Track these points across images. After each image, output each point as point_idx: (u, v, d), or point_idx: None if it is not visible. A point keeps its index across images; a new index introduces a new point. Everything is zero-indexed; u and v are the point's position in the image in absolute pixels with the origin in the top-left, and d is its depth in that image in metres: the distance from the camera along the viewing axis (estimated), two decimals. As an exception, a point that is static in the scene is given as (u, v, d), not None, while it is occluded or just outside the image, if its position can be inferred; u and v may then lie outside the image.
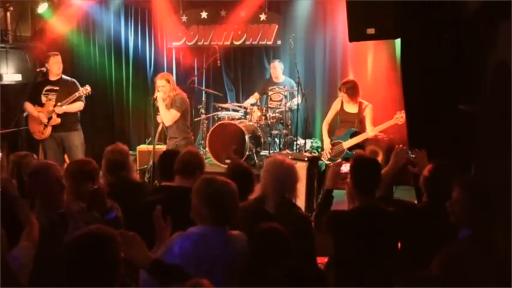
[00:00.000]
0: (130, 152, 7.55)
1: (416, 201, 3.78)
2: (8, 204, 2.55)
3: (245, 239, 2.48)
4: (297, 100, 6.78)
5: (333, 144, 5.75)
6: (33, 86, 5.87)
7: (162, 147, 6.74)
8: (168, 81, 5.49)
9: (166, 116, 5.47)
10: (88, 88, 5.88)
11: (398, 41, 5.75)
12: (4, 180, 2.71)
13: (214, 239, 2.35)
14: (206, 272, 2.23)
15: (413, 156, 3.30)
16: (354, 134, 5.62)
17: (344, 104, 5.75)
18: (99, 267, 1.87)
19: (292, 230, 2.66)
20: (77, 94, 5.80)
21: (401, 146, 3.39)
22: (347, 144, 5.63)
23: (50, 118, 5.79)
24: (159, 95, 5.42)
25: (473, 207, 2.37)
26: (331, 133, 5.93)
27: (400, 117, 5.25)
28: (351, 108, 5.71)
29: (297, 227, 2.72)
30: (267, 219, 2.71)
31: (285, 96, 7.00)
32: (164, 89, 5.43)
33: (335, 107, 5.86)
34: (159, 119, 5.65)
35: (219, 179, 2.44)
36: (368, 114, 5.61)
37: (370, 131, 5.51)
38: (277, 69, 7.11)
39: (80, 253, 1.88)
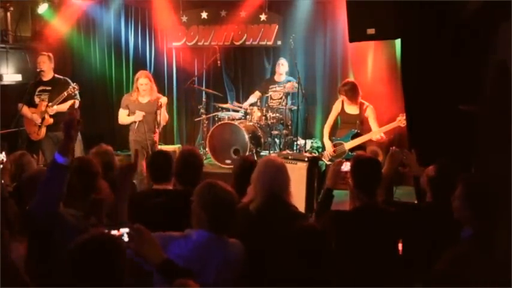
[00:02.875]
0: (130, 152, 7.65)
1: (416, 202, 3.78)
2: None
3: (242, 247, 2.46)
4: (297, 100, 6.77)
5: (334, 145, 5.77)
6: (28, 88, 5.89)
7: (167, 147, 6.80)
8: (150, 80, 5.61)
9: (165, 118, 5.74)
10: (76, 86, 5.88)
11: (398, 41, 5.77)
12: None
13: (209, 245, 2.33)
14: (197, 276, 2.21)
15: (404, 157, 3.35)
16: (355, 135, 5.64)
17: (345, 105, 5.76)
18: (103, 272, 1.86)
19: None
20: (65, 93, 5.80)
21: (394, 147, 3.43)
22: (349, 145, 5.65)
23: (43, 119, 5.80)
24: (163, 100, 5.66)
25: (472, 205, 2.39)
26: (332, 134, 5.94)
27: (403, 120, 5.26)
28: (352, 109, 5.73)
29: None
30: (249, 220, 2.72)
31: (285, 96, 7.00)
32: (147, 87, 5.56)
33: (336, 108, 5.87)
34: (124, 119, 5.82)
35: (220, 185, 2.43)
36: (371, 115, 5.62)
37: (374, 133, 5.51)
38: (284, 66, 7.10)
39: (85, 258, 1.86)
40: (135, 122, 5.71)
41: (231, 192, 2.43)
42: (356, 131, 5.64)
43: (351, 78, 7.40)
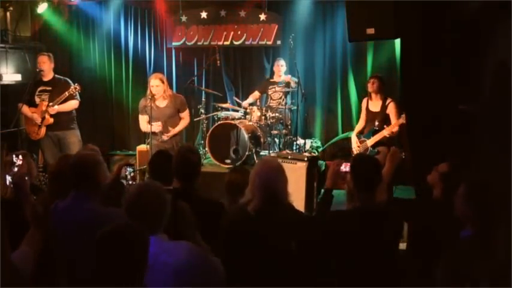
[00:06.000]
0: (130, 152, 7.66)
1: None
2: (18, 201, 2.50)
3: (188, 249, 2.22)
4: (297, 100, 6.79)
5: (361, 142, 5.89)
6: (28, 88, 5.90)
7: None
8: (162, 81, 5.55)
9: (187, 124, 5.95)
10: (77, 86, 5.88)
11: (398, 41, 5.77)
12: (17, 176, 2.67)
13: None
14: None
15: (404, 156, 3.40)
16: (374, 132, 5.74)
17: (369, 103, 5.89)
18: (124, 262, 1.87)
19: (286, 230, 2.67)
20: (66, 93, 5.79)
21: (394, 147, 3.46)
22: (370, 142, 5.76)
23: (43, 118, 5.80)
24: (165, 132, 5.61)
25: (473, 204, 2.39)
26: (361, 132, 6.04)
27: (401, 121, 5.42)
28: (375, 107, 5.83)
29: (291, 227, 2.72)
30: (248, 222, 2.70)
31: (285, 95, 7.01)
32: (158, 89, 5.51)
33: (363, 107, 6.01)
34: (146, 127, 5.67)
35: (141, 184, 2.44)
36: (392, 111, 5.69)
37: (385, 130, 5.62)
38: (283, 67, 7.11)
39: (108, 247, 1.87)
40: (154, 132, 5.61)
41: (151, 188, 2.33)
42: (376, 128, 5.73)
43: (351, 78, 7.45)
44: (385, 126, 5.63)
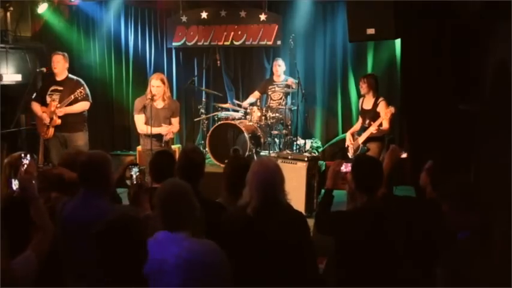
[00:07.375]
0: (130, 152, 7.66)
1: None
2: (25, 205, 2.49)
3: (211, 248, 2.33)
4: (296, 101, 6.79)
5: (354, 140, 5.96)
6: (41, 86, 5.88)
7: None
8: (163, 82, 5.55)
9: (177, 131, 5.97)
10: (83, 90, 5.85)
11: (398, 41, 5.78)
12: (24, 179, 2.65)
13: (164, 243, 2.28)
14: (157, 277, 2.20)
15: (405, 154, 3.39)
16: (365, 130, 5.82)
17: (364, 101, 5.93)
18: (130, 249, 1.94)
19: (286, 230, 2.67)
20: (72, 96, 5.78)
21: (394, 145, 3.47)
22: (360, 139, 5.81)
23: (51, 119, 5.80)
24: (162, 130, 5.58)
25: (462, 210, 2.39)
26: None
27: (388, 111, 5.50)
28: (367, 104, 5.86)
29: (291, 227, 2.71)
30: (247, 224, 2.69)
31: (285, 96, 7.01)
32: (159, 89, 5.51)
33: (359, 106, 6.06)
34: (143, 127, 5.64)
35: (171, 182, 2.45)
36: (381, 110, 5.70)
37: (371, 128, 5.66)
38: (282, 66, 7.11)
39: (110, 236, 1.93)
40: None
41: (183, 186, 2.41)
42: (365, 126, 5.80)
43: (351, 78, 7.45)
44: (371, 122, 5.68)
